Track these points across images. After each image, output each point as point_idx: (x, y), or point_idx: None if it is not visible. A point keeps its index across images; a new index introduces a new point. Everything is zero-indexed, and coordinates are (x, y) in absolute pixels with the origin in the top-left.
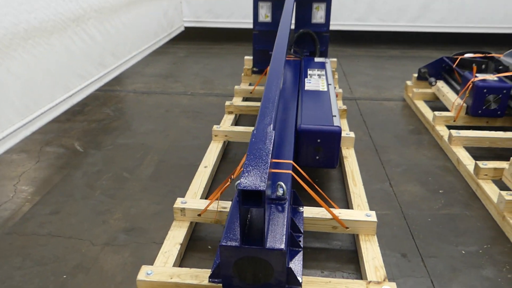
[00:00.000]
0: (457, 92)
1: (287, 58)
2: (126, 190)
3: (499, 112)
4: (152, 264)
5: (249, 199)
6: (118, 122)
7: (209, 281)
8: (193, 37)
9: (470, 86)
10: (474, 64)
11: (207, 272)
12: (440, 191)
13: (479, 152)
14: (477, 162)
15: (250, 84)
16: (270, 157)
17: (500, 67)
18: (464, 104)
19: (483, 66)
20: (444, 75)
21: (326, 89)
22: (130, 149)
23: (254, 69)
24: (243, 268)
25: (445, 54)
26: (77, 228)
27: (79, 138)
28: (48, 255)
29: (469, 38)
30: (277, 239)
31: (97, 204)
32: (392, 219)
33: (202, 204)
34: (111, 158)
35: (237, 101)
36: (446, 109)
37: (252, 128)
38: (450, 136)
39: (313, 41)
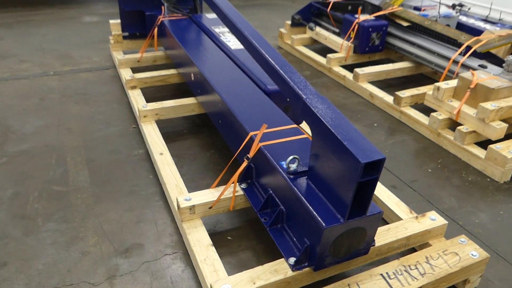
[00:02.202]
0: (335, 33)
1: (174, 18)
2: (76, 206)
3: (380, 47)
4: (192, 279)
5: (365, 171)
6: None
7: (293, 270)
8: None
9: (356, 27)
10: (350, 7)
11: (282, 262)
12: (375, 125)
13: (376, 85)
14: (396, 92)
15: (124, 52)
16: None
17: (369, 7)
18: (351, 44)
19: (360, 8)
20: (314, 19)
21: None
22: (35, 156)
23: (125, 34)
24: (340, 244)
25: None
26: (54, 274)
27: None
28: None
29: None
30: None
31: (55, 236)
32: None
33: (208, 195)
34: (19, 173)
35: (129, 72)
36: (328, 51)
37: (182, 100)
38: (356, 74)
39: None
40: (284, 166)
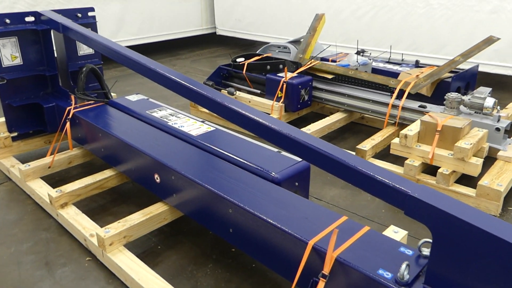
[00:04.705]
0: (256, 95)
1: (88, 107)
2: None
3: (309, 102)
4: None
5: None
6: None
7: None
8: None
9: (285, 86)
10: (269, 66)
11: None
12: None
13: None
14: (358, 146)
15: (16, 157)
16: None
17: (291, 64)
18: (281, 104)
19: (281, 66)
20: (224, 82)
21: (213, 128)
22: None
23: (14, 134)
24: None
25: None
26: None
27: None
28: None
29: (160, 45)
30: None
31: None
32: None
33: None
34: None
35: (41, 185)
36: None
37: (149, 209)
38: None
39: (98, 79)
40: (386, 275)
